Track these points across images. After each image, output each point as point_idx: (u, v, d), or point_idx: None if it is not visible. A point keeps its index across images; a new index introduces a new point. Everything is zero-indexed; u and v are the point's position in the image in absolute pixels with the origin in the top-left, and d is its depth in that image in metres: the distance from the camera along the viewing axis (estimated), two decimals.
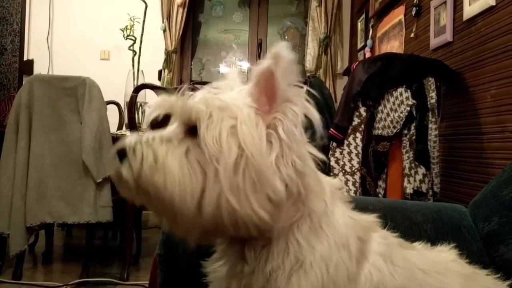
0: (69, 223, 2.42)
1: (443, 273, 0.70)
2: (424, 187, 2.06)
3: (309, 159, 0.64)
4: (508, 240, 0.85)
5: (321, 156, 0.65)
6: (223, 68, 4.68)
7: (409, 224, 0.90)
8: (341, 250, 0.62)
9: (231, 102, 0.61)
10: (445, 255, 0.75)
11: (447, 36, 2.29)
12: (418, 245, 0.77)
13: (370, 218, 0.71)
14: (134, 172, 0.60)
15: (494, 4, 1.92)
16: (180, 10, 4.19)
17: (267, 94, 0.61)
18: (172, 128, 0.64)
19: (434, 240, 0.88)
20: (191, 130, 0.61)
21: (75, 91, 2.34)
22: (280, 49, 0.59)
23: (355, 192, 2.18)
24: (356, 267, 0.62)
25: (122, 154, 0.62)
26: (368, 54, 3.67)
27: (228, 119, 0.59)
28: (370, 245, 0.65)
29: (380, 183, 2.19)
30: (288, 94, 0.60)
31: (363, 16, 3.94)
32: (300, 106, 0.61)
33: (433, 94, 2.05)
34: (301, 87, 0.61)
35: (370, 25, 3.73)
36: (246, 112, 0.60)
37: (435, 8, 2.45)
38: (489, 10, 1.96)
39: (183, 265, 0.89)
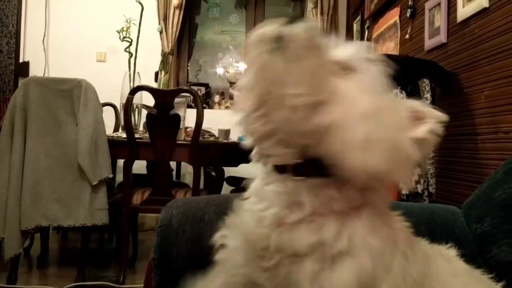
0: (65, 226, 2.41)
1: (449, 261, 0.75)
2: (419, 188, 2.07)
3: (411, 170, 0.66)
4: (501, 241, 0.86)
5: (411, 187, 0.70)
6: (220, 70, 4.69)
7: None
8: (385, 245, 0.64)
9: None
10: (446, 251, 0.80)
11: (442, 38, 2.31)
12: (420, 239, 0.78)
13: (396, 215, 0.74)
14: (302, 29, 0.57)
15: (487, 6, 1.94)
16: (177, 11, 4.19)
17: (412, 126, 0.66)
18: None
19: (428, 241, 0.88)
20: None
21: (71, 93, 2.34)
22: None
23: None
24: (391, 259, 0.64)
25: (292, 21, 0.59)
26: None
27: (382, 80, 0.64)
28: (399, 234, 0.69)
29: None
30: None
31: (359, 17, 3.95)
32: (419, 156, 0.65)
33: (428, 95, 2.06)
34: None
35: (366, 27, 3.74)
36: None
37: (429, 10, 2.47)
38: (482, 12, 1.97)
39: (178, 268, 0.89)
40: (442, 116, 0.67)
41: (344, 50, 0.66)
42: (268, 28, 0.60)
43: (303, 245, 0.60)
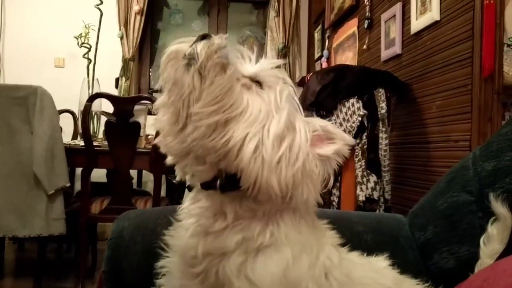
0: (20, 237, 2.34)
1: (378, 272, 0.77)
2: (375, 195, 2.12)
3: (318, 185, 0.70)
4: (442, 249, 0.90)
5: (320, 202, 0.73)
6: None
7: (350, 235, 0.93)
8: (307, 243, 0.68)
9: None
10: (378, 262, 0.82)
11: (397, 49, 2.38)
12: (353, 252, 0.81)
13: (324, 224, 0.78)
14: (210, 49, 0.61)
15: (438, 19, 2.01)
16: (138, 17, 4.15)
17: (320, 144, 0.70)
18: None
19: (373, 249, 0.91)
20: (253, 81, 0.68)
21: (26, 101, 2.28)
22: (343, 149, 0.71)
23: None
24: (315, 259, 0.68)
25: (204, 38, 0.63)
26: (324, 64, 3.74)
27: (293, 105, 0.69)
28: (326, 240, 0.73)
29: (334, 191, 2.25)
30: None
31: (320, 27, 4.02)
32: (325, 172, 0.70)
33: (383, 105, 2.12)
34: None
35: (326, 36, 3.81)
36: (301, 115, 0.71)
37: (385, 22, 2.54)
38: (434, 25, 2.05)
39: (129, 281, 0.89)
40: (350, 140, 0.73)
41: (256, 65, 0.71)
42: (181, 45, 0.64)
43: (230, 244, 0.65)
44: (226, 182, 0.65)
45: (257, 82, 0.67)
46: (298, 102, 0.72)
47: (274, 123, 0.63)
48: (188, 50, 0.62)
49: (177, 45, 0.65)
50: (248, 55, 0.71)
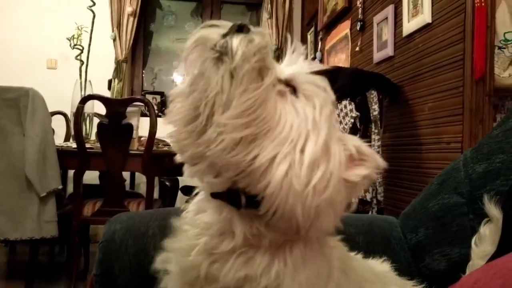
0: (12, 239, 2.33)
1: (383, 281, 0.75)
2: (368, 196, 2.13)
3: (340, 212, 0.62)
4: (433, 251, 0.90)
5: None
6: (176, 77, 4.65)
7: (343, 237, 0.94)
8: (317, 281, 0.61)
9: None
10: (381, 265, 0.80)
11: (389, 51, 2.39)
12: (356, 255, 0.80)
13: (334, 241, 0.71)
14: (250, 50, 0.51)
15: (430, 21, 2.03)
16: (131, 19, 4.14)
17: (349, 166, 0.61)
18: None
19: (366, 251, 0.91)
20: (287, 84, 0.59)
21: (17, 102, 2.27)
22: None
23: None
24: None
25: (240, 30, 0.53)
26: None
27: (333, 120, 0.59)
28: (334, 263, 0.65)
29: None
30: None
31: (313, 29, 4.04)
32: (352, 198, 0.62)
33: (376, 107, 2.13)
34: None
35: (319, 38, 3.82)
36: (338, 132, 0.61)
37: (377, 24, 2.56)
38: (425, 27, 2.07)
39: (120, 284, 0.88)
40: (382, 164, 0.62)
41: (292, 65, 0.62)
42: (212, 31, 0.55)
43: (231, 279, 0.57)
44: (242, 197, 0.57)
45: (291, 86, 0.58)
46: (335, 112, 0.63)
47: (310, 145, 0.54)
48: (220, 41, 0.53)
49: (207, 31, 0.55)
50: (296, 50, 0.63)
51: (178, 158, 0.61)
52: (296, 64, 0.62)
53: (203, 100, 0.54)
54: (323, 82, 0.61)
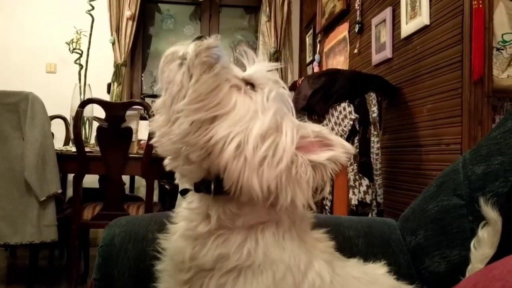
0: (12, 244, 2.33)
1: (374, 282, 0.74)
2: (368, 198, 2.13)
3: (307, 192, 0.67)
4: (433, 253, 0.90)
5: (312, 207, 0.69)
6: None
7: (342, 239, 0.94)
8: (291, 262, 0.65)
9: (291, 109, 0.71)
10: (376, 269, 0.79)
11: (387, 53, 2.40)
12: (352, 260, 0.80)
13: (320, 234, 0.75)
14: (199, 48, 0.62)
15: (428, 23, 2.03)
16: (130, 23, 4.14)
17: (313, 150, 0.68)
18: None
19: (365, 254, 0.91)
20: (247, 83, 0.68)
21: (17, 107, 2.27)
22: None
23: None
24: (302, 277, 0.65)
25: (199, 39, 0.65)
26: (316, 69, 3.76)
27: (282, 107, 0.68)
28: (316, 253, 0.69)
29: (327, 195, 2.25)
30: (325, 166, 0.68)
31: (311, 31, 4.04)
32: (319, 179, 0.67)
33: (375, 109, 2.13)
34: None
35: (318, 40, 3.83)
36: (294, 127, 0.67)
37: (375, 26, 2.56)
38: (424, 29, 2.07)
39: None
40: (349, 148, 0.69)
41: (251, 67, 0.71)
42: (177, 47, 0.66)
43: (208, 258, 0.64)
44: (216, 185, 0.65)
45: (251, 84, 0.67)
46: (291, 104, 0.71)
47: (258, 123, 0.63)
48: (182, 51, 0.65)
49: (174, 48, 0.67)
50: (252, 58, 0.72)
51: (165, 162, 0.69)
52: (254, 65, 0.71)
53: (169, 99, 0.65)
54: (274, 75, 0.70)
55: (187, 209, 0.70)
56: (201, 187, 0.67)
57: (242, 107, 0.63)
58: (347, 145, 0.69)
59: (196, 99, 0.61)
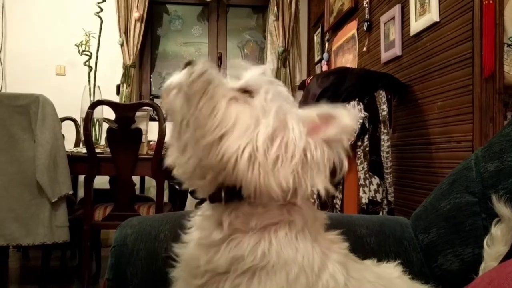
0: (24, 245, 2.35)
1: (389, 287, 0.73)
2: (378, 197, 2.12)
3: (315, 187, 0.67)
4: (446, 251, 0.89)
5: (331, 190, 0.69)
6: None
7: (354, 238, 0.93)
8: (305, 262, 0.65)
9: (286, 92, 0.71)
10: (390, 271, 0.78)
11: (396, 50, 2.38)
12: (367, 261, 0.79)
13: (334, 236, 0.75)
14: (192, 76, 0.63)
15: (438, 20, 2.02)
16: (138, 24, 4.16)
17: (322, 130, 0.68)
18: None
19: (377, 252, 0.91)
20: (244, 91, 0.68)
21: (28, 109, 2.29)
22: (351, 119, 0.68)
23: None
24: (316, 278, 0.65)
25: (189, 64, 0.66)
26: (324, 67, 3.75)
27: (283, 105, 0.67)
28: (331, 255, 0.69)
29: (337, 193, 2.24)
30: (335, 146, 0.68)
31: (319, 30, 4.03)
32: (336, 154, 0.68)
33: (384, 107, 2.12)
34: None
35: (326, 39, 3.82)
36: (297, 115, 0.68)
37: (384, 24, 2.55)
38: (433, 26, 2.06)
39: None
40: (354, 114, 0.70)
41: (244, 75, 0.71)
42: (172, 78, 0.68)
43: (222, 262, 0.64)
44: (229, 193, 0.66)
45: (248, 92, 0.68)
46: (290, 97, 0.71)
47: (262, 127, 0.63)
48: (175, 81, 0.66)
49: (169, 80, 0.68)
50: (245, 67, 0.72)
51: (179, 179, 0.71)
52: (247, 73, 0.71)
53: (176, 130, 0.68)
54: (267, 76, 0.71)
55: (201, 217, 0.72)
56: (215, 197, 0.68)
57: (243, 118, 0.64)
58: (348, 113, 0.69)
59: (199, 126, 0.63)
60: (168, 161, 0.70)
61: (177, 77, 0.66)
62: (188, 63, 0.66)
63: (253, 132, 0.63)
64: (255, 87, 0.68)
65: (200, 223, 0.71)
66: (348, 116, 0.68)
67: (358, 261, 0.77)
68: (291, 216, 0.67)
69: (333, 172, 0.69)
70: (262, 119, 0.64)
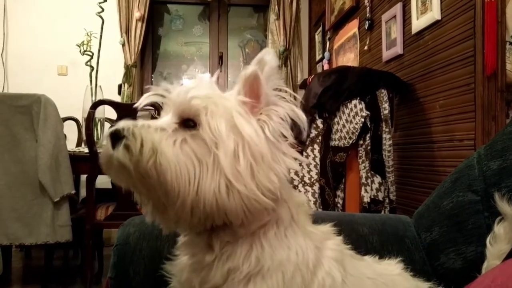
0: (27, 245, 2.35)
1: (389, 285, 0.73)
2: (380, 196, 2.12)
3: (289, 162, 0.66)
4: (448, 250, 0.89)
5: (304, 159, 0.68)
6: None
7: (356, 237, 0.93)
8: (299, 259, 0.64)
9: (224, 99, 0.66)
10: (391, 268, 0.78)
11: (398, 49, 2.38)
12: (367, 257, 0.79)
13: (326, 228, 0.74)
14: (134, 155, 0.59)
15: (439, 18, 2.01)
16: (139, 24, 4.16)
17: (252, 97, 0.66)
18: (166, 119, 0.66)
19: (379, 251, 0.91)
20: (185, 123, 0.64)
21: (30, 109, 2.29)
22: (265, 55, 0.66)
23: (315, 203, 2.22)
24: (311, 276, 0.64)
25: (116, 137, 0.61)
26: (326, 66, 3.74)
27: (225, 112, 0.63)
28: (325, 252, 0.68)
29: (339, 193, 2.24)
30: (272, 97, 0.66)
31: (320, 29, 4.03)
32: (285, 108, 0.66)
33: (386, 105, 2.12)
34: (286, 90, 0.67)
35: (327, 38, 3.81)
36: (240, 107, 0.65)
37: (386, 22, 2.54)
38: (435, 24, 2.05)
39: (135, 287, 0.89)
40: (260, 57, 0.66)
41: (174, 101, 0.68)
42: (106, 153, 0.64)
43: (218, 276, 0.64)
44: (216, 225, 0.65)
45: (188, 120, 0.64)
46: (215, 87, 0.68)
47: (222, 155, 0.61)
48: (115, 158, 0.61)
49: (105, 154, 0.64)
50: (173, 89, 0.69)
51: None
52: (169, 99, 0.68)
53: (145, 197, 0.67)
54: (183, 93, 0.66)
55: (187, 243, 0.71)
56: (202, 228, 0.67)
57: (202, 158, 0.61)
58: (256, 59, 0.67)
59: (165, 193, 0.61)
60: (149, 219, 0.68)
61: (113, 154, 0.61)
62: (114, 135, 0.61)
63: (217, 166, 0.60)
64: (192, 114, 0.64)
65: (187, 249, 0.70)
66: (264, 58, 0.66)
67: (358, 257, 0.76)
68: (276, 213, 0.66)
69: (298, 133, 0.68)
70: (218, 148, 0.61)
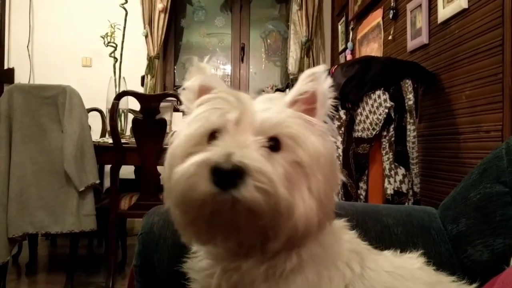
0: (52, 233, 2.40)
1: (408, 278, 0.72)
2: (404, 188, 2.09)
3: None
4: (475, 241, 0.87)
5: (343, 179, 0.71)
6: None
7: (380, 228, 0.92)
8: (327, 253, 0.66)
9: (303, 119, 0.65)
10: (412, 262, 0.77)
11: (423, 39, 2.33)
12: (386, 252, 0.78)
13: (340, 223, 0.75)
14: (272, 197, 0.55)
15: (466, 7, 1.96)
16: (162, 15, 4.19)
17: (307, 112, 0.67)
18: (250, 140, 0.59)
19: (404, 242, 0.90)
20: (269, 144, 0.60)
21: (55, 100, 2.33)
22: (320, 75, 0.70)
23: (337, 194, 2.20)
24: (335, 270, 0.66)
25: (236, 175, 0.53)
26: (349, 57, 3.70)
27: (312, 133, 0.64)
28: (344, 244, 0.70)
29: (362, 184, 2.22)
30: (326, 117, 0.68)
31: (343, 19, 3.98)
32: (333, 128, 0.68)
33: (411, 96, 2.08)
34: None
35: (350, 28, 3.76)
36: (318, 127, 0.66)
37: (411, 11, 2.49)
38: (462, 13, 2.00)
39: (159, 275, 0.90)
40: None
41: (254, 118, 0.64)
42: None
43: (257, 276, 0.63)
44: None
45: (272, 140, 0.61)
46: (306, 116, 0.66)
47: (313, 178, 0.61)
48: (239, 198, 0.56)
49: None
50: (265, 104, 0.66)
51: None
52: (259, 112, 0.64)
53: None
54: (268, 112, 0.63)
55: (213, 251, 0.68)
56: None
57: (296, 183, 0.60)
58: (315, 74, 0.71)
59: (280, 231, 0.59)
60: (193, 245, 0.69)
61: (234, 196, 0.54)
62: (232, 172, 0.53)
63: (312, 190, 0.60)
64: (283, 133, 0.62)
65: (214, 255, 0.68)
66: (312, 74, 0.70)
67: (375, 251, 0.76)
68: None
69: None
70: (313, 170, 0.61)
